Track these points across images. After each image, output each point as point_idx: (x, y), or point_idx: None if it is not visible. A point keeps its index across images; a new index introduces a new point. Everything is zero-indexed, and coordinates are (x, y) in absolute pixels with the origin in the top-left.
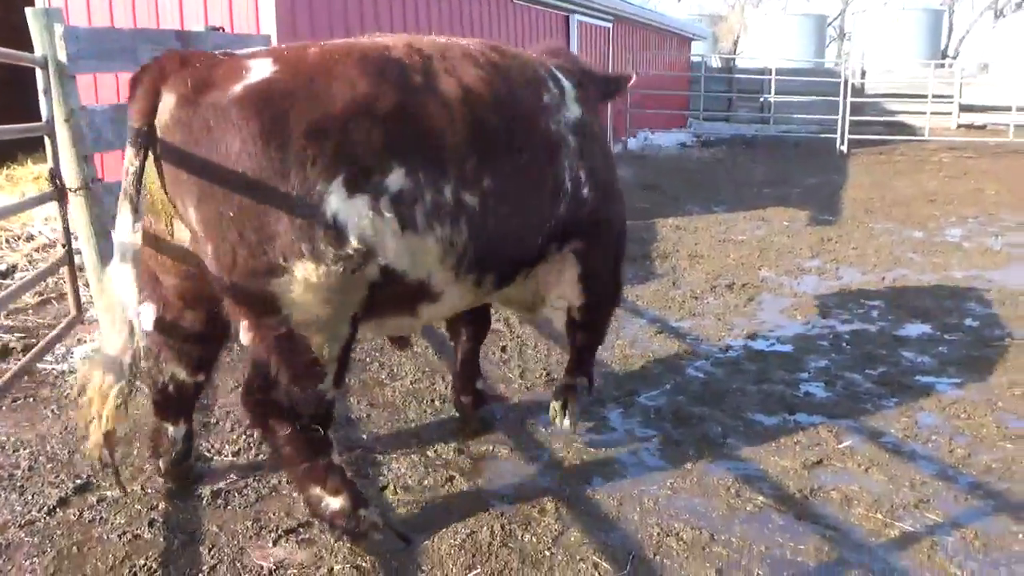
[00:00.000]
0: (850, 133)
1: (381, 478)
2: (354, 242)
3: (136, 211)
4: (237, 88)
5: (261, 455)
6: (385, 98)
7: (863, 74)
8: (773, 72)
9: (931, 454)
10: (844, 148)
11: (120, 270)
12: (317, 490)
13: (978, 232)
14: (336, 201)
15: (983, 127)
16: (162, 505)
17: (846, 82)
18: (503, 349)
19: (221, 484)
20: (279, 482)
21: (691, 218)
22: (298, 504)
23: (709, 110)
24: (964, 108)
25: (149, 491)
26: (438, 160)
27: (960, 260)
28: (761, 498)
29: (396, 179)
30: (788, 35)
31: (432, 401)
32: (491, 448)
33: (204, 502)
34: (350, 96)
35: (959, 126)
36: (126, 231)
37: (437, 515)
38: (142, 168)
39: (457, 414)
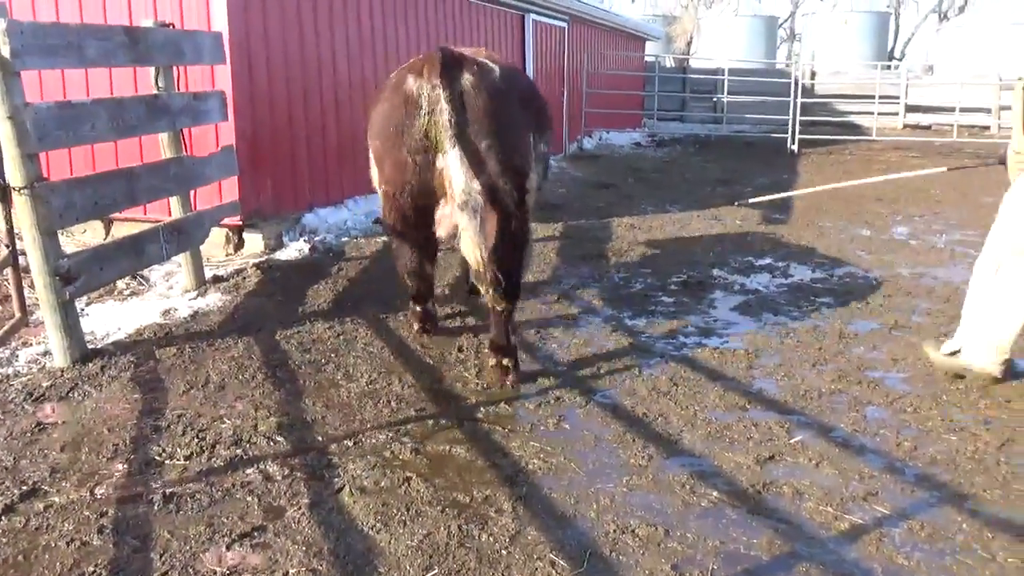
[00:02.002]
0: (801, 133)
1: (337, 480)
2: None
3: (460, 147)
4: (497, 78)
5: (214, 459)
6: (534, 92)
7: (813, 75)
8: (726, 72)
9: (879, 447)
10: (795, 147)
11: (460, 166)
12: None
13: (924, 230)
14: (542, 143)
15: (928, 127)
16: (112, 511)
17: (796, 83)
18: (459, 348)
19: (173, 488)
20: (232, 486)
21: (646, 217)
22: (252, 508)
23: (663, 110)
24: (910, 108)
25: (98, 496)
26: (540, 129)
27: (907, 257)
28: (715, 494)
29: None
30: (740, 36)
31: (388, 402)
32: (447, 448)
33: (155, 507)
34: (540, 92)
35: (905, 126)
36: (457, 154)
37: (394, 516)
38: (460, 115)
39: (412, 414)
